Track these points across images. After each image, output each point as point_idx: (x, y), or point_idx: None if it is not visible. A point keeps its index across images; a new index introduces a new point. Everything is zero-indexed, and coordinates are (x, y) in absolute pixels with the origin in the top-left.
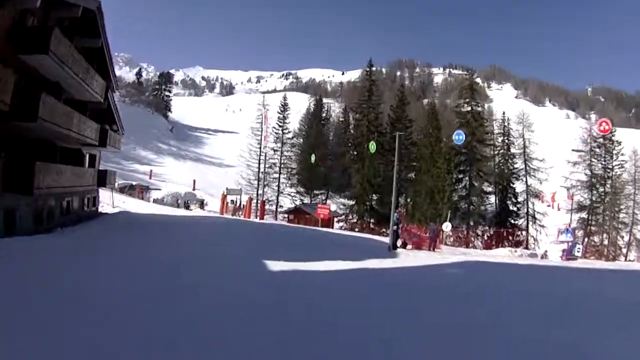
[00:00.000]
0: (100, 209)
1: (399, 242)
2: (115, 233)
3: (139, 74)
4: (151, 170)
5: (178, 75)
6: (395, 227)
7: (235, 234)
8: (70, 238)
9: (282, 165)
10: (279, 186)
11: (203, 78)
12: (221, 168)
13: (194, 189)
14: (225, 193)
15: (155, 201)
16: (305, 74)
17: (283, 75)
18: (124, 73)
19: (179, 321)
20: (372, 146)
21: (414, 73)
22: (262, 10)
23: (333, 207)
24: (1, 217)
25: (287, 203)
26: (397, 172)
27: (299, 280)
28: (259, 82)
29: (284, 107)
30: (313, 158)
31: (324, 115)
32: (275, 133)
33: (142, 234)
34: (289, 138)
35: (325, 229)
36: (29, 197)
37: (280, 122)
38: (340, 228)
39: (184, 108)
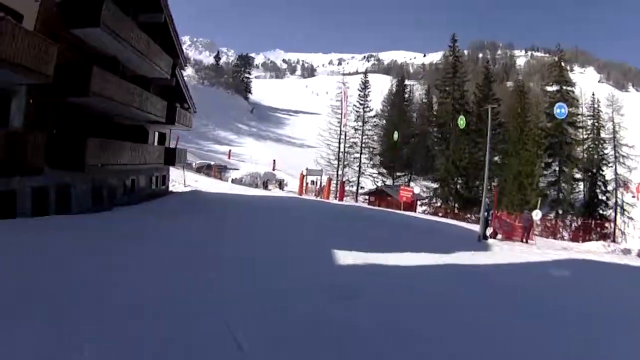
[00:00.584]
0: (171, 188)
1: (488, 231)
2: (174, 213)
3: (217, 56)
4: (230, 150)
5: (259, 59)
6: (486, 214)
7: (310, 216)
8: (119, 218)
9: (363, 145)
10: (360, 166)
11: (284, 61)
12: (302, 149)
13: (273, 169)
14: (304, 173)
15: (234, 181)
16: (387, 56)
17: (364, 57)
18: (204, 57)
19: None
20: (462, 121)
21: (496, 55)
22: None
23: (416, 190)
24: (52, 194)
25: (368, 184)
26: (489, 151)
27: (377, 282)
28: (340, 64)
29: (365, 84)
30: (396, 136)
31: (406, 96)
32: (356, 111)
33: (202, 214)
34: (370, 117)
35: (407, 213)
36: (84, 174)
37: (362, 99)
38: (423, 212)
39: (264, 90)
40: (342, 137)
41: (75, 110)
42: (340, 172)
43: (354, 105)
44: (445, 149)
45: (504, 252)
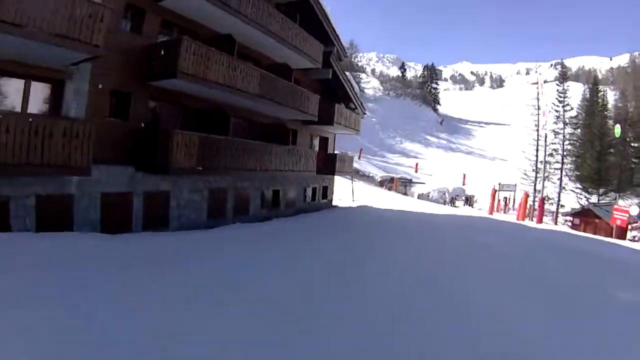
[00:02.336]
0: (337, 202)
1: None
2: (312, 239)
3: (402, 67)
4: (417, 164)
5: (446, 72)
6: None
7: (506, 254)
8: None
9: (565, 153)
10: (561, 179)
11: (472, 73)
12: (493, 162)
13: (463, 184)
14: (496, 188)
15: (420, 196)
16: (573, 63)
17: (552, 65)
18: (392, 72)
19: None
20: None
21: None
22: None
23: (634, 211)
24: (136, 203)
25: (568, 202)
26: None
27: None
28: (528, 73)
29: (563, 76)
30: (618, 130)
31: (600, 101)
32: (555, 110)
33: (355, 242)
34: (572, 117)
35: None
36: (196, 178)
37: (561, 95)
38: (634, 239)
39: (453, 102)
40: (541, 142)
41: (177, 99)
42: (538, 187)
43: (552, 104)
44: None
45: None
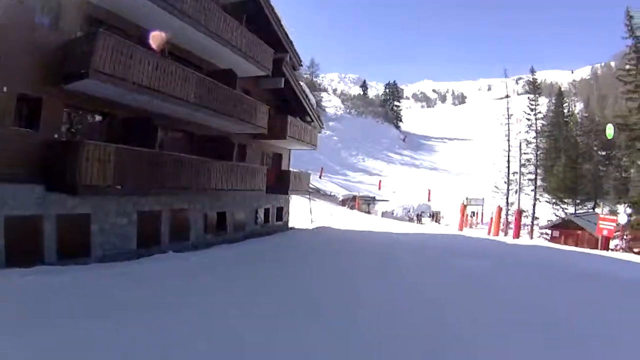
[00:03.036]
0: (294, 224)
1: None
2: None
3: (364, 85)
4: (380, 181)
5: (408, 91)
6: None
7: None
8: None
9: (539, 163)
10: (535, 190)
11: (434, 90)
12: (458, 177)
13: (428, 200)
14: (465, 203)
15: (384, 214)
16: (536, 77)
17: (514, 80)
18: (353, 91)
19: None
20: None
21: None
22: (483, 18)
23: (623, 220)
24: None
25: (543, 214)
26: None
27: None
28: (490, 89)
29: (534, 84)
30: (610, 130)
31: (565, 111)
32: (527, 119)
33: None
34: (544, 124)
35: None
36: (112, 199)
37: (532, 103)
38: (615, 247)
39: (416, 119)
40: (513, 152)
41: (99, 105)
42: (511, 199)
43: (524, 111)
44: None
45: None
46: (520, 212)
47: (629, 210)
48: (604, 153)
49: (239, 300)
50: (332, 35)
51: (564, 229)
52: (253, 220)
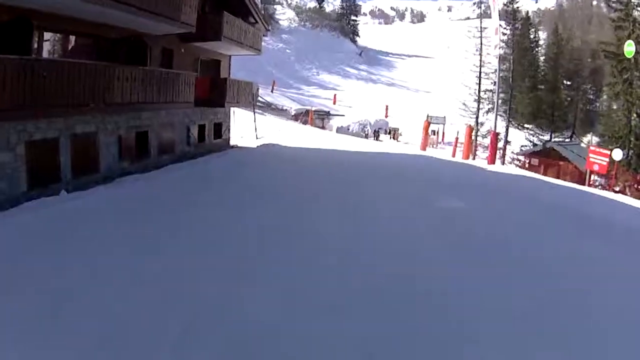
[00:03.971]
0: (238, 141)
1: None
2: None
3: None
4: (335, 95)
5: (365, 7)
6: None
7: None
8: None
9: (513, 82)
10: (508, 111)
11: (392, 8)
12: (417, 93)
13: (386, 116)
14: (429, 120)
15: (339, 130)
16: (499, 1)
17: (475, 3)
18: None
19: None
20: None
21: None
22: None
23: (617, 156)
24: None
25: (516, 141)
26: None
27: None
28: (450, 10)
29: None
30: (631, 47)
31: (532, 37)
32: (503, 33)
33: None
34: (519, 34)
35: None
36: None
37: (510, 16)
38: (593, 183)
39: (373, 35)
40: (487, 68)
41: None
42: (482, 119)
43: (500, 25)
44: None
45: None
46: (496, 135)
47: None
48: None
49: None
50: None
51: (544, 157)
52: (185, 140)
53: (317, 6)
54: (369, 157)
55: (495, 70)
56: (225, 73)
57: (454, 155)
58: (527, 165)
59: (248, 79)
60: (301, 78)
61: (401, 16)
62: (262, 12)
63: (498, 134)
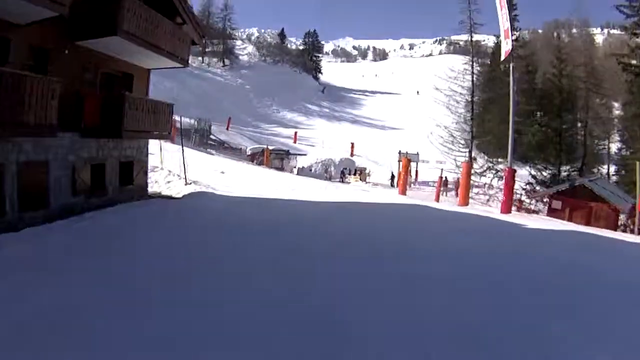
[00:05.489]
0: (163, 188)
1: None
2: None
3: (282, 34)
4: (296, 132)
5: (328, 47)
6: None
7: None
8: None
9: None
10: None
11: (354, 47)
12: (383, 131)
13: (351, 155)
14: (406, 158)
15: (301, 171)
16: (460, 39)
17: (436, 40)
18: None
19: None
20: None
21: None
22: None
23: None
24: None
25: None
26: None
27: None
28: (412, 48)
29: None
30: None
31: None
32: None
33: None
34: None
35: None
36: None
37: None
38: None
39: (335, 72)
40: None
41: None
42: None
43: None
44: None
45: None
46: (512, 172)
47: None
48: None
49: None
50: None
51: (571, 197)
52: (68, 189)
53: (279, 42)
54: (341, 211)
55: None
56: (141, 92)
57: (437, 200)
58: (549, 207)
59: (203, 116)
60: (260, 115)
61: (363, 55)
62: (195, 16)
63: (514, 171)
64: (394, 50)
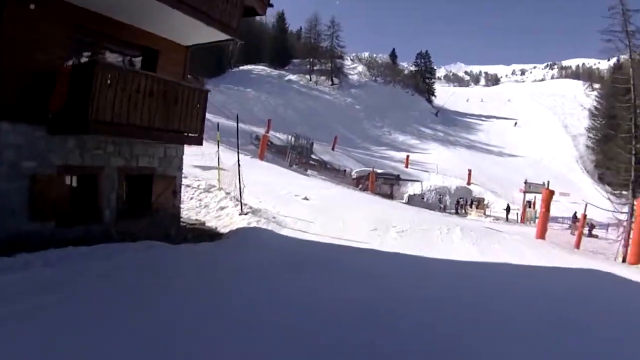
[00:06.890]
0: (212, 215)
1: None
2: None
3: (392, 54)
4: (408, 156)
5: (440, 72)
6: None
7: None
8: None
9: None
10: None
11: (466, 72)
12: (502, 157)
13: (468, 183)
14: (547, 189)
15: (411, 199)
16: (571, 63)
17: (547, 65)
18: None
19: None
20: None
21: None
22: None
23: None
24: None
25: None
26: None
27: None
28: (523, 74)
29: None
30: None
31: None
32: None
33: None
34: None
35: None
36: None
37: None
38: None
39: (448, 96)
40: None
41: None
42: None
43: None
44: None
45: None
46: None
47: None
48: None
49: None
50: (366, 13)
51: None
52: (23, 210)
53: (390, 62)
54: (483, 291)
55: None
56: (174, 77)
57: (577, 246)
58: None
59: (308, 134)
60: (370, 137)
61: (475, 80)
62: None
63: None
64: (506, 75)
